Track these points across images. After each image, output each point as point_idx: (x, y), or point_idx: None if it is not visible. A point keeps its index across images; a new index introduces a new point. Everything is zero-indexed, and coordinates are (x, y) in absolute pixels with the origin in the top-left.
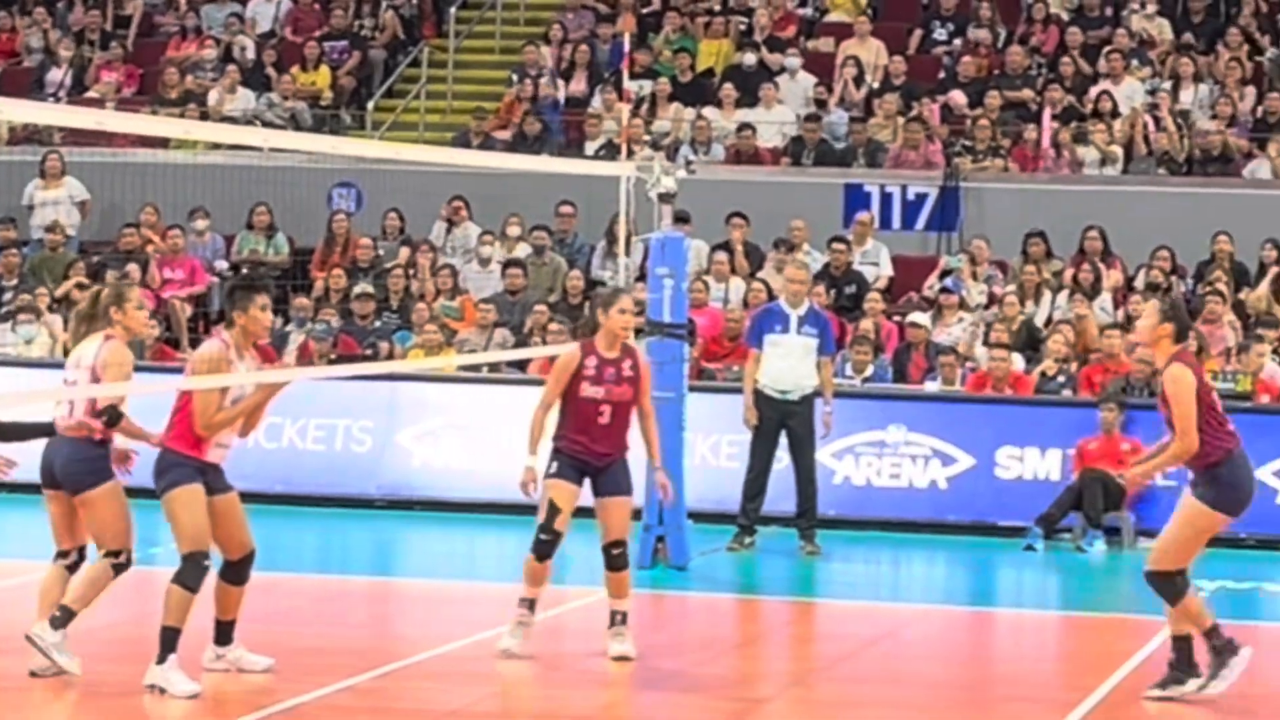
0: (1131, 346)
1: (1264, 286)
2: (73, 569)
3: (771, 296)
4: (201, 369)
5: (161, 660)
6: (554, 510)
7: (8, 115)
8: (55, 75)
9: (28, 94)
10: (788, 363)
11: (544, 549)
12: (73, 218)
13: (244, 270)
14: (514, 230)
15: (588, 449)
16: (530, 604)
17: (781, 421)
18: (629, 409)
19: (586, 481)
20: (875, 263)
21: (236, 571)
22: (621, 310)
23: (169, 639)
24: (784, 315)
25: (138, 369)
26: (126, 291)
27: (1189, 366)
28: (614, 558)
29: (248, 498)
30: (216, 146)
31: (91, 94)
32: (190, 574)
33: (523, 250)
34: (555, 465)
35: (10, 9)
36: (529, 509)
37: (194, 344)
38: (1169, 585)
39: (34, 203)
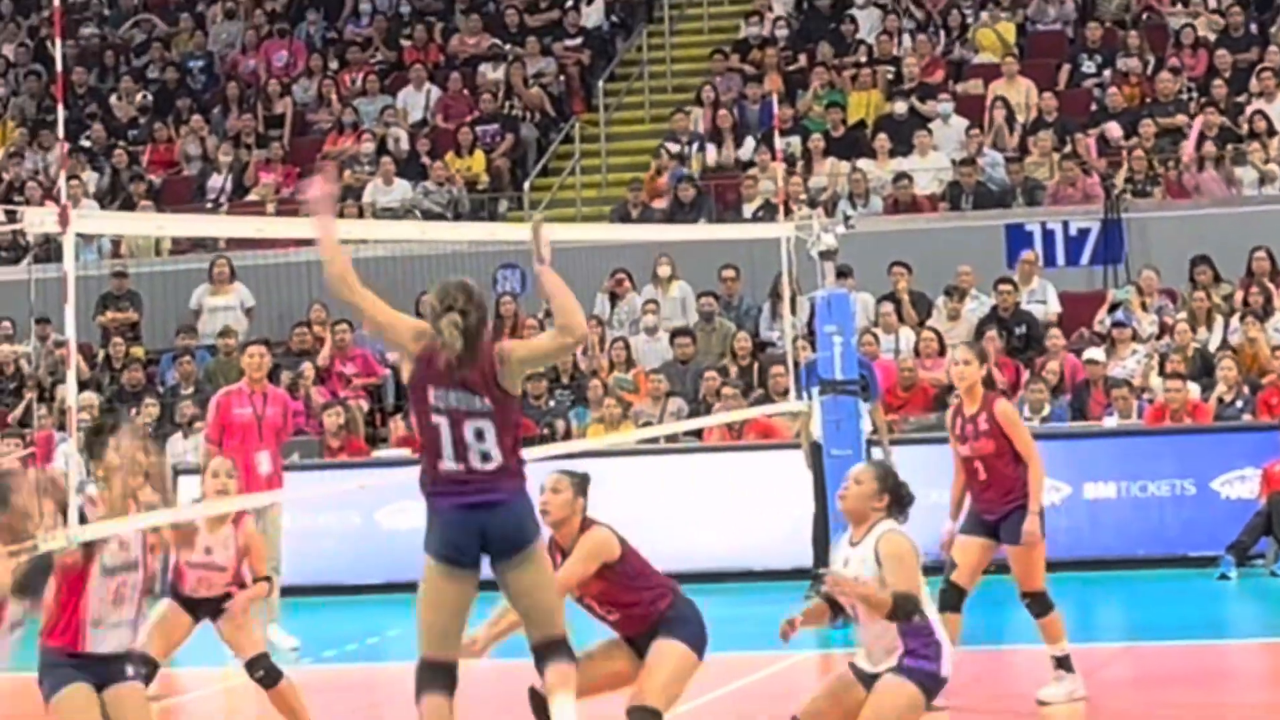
0: None
1: None
2: None
3: (943, 345)
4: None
5: None
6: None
7: (170, 230)
8: (215, 181)
9: (189, 202)
10: None
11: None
12: (240, 323)
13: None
14: (664, 270)
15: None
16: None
17: None
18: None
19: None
20: (1043, 301)
21: None
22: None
23: None
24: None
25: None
26: None
27: None
28: (1027, 608)
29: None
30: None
31: (252, 196)
32: None
33: (678, 291)
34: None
35: (166, 119)
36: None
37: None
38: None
39: (203, 308)
